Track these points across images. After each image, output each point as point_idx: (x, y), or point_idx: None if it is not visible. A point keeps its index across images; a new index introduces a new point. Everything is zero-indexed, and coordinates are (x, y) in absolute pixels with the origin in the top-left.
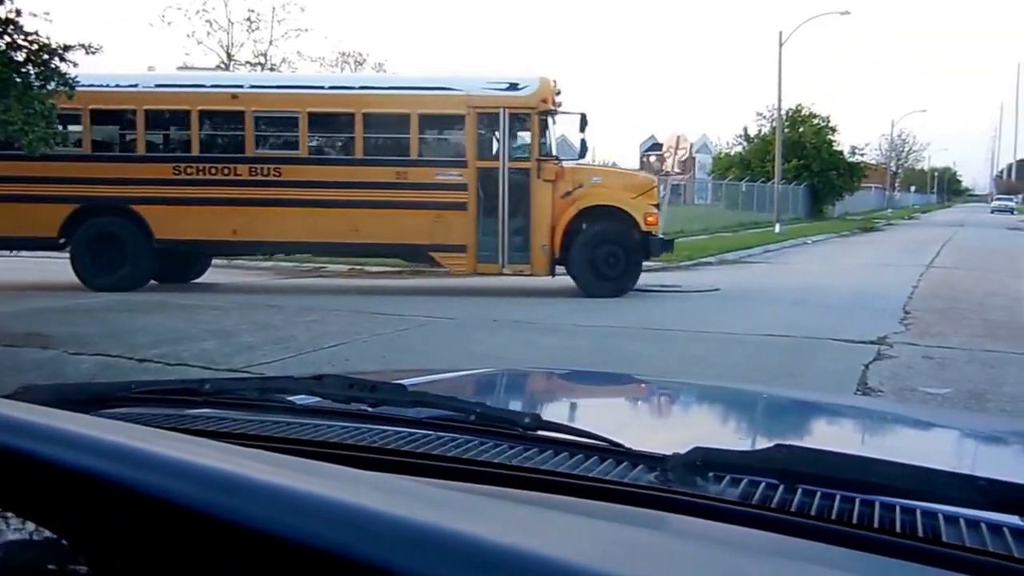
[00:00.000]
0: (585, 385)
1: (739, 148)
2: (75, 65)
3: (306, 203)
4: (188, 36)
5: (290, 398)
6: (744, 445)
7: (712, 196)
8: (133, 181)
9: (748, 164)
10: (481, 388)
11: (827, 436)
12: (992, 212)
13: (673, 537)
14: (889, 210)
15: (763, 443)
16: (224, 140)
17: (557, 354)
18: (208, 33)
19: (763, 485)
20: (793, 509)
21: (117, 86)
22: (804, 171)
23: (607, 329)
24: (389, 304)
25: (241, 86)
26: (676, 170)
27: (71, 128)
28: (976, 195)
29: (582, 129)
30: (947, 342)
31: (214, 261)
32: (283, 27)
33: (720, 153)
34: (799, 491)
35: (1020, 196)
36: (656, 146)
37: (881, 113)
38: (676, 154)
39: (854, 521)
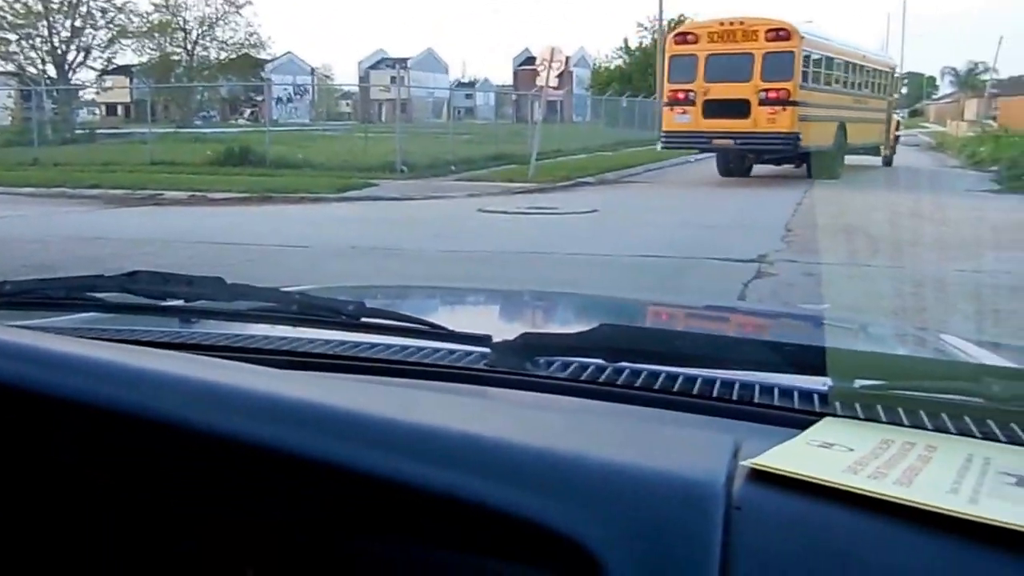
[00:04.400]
0: (416, 292)
1: (619, 62)
2: None
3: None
4: None
5: (100, 296)
6: (572, 331)
7: (592, 113)
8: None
9: (629, 78)
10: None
11: (658, 323)
12: None
13: (496, 403)
14: None
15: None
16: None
17: None
18: None
19: (592, 367)
20: (620, 383)
21: None
22: None
23: (477, 255)
24: (236, 232)
25: None
26: (552, 85)
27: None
28: None
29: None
30: (828, 258)
31: (45, 191)
32: None
33: (599, 67)
34: (626, 370)
35: (907, 109)
36: (531, 60)
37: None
38: (551, 68)
39: (675, 389)
